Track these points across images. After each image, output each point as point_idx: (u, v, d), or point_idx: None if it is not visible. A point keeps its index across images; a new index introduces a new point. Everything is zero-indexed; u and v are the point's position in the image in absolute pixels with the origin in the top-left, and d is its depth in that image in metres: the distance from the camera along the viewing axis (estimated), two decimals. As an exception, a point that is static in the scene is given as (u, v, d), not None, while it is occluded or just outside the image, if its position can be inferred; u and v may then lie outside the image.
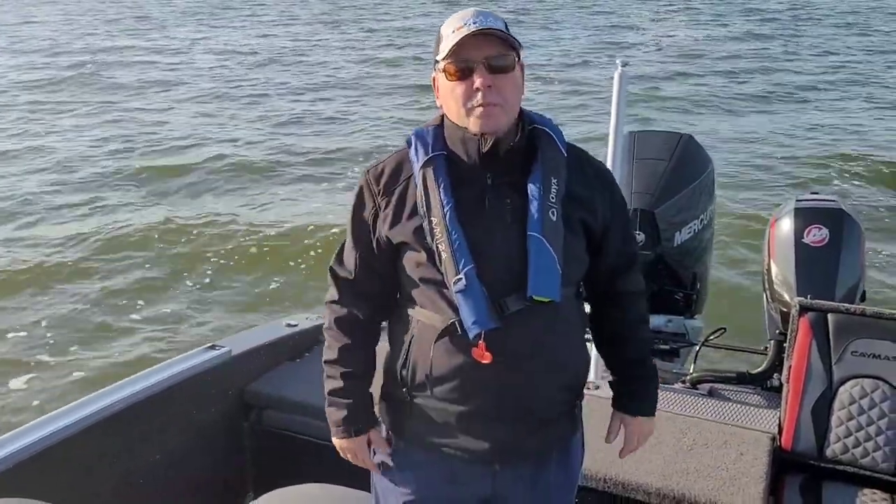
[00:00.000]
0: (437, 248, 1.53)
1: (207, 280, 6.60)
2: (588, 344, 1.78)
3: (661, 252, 3.24)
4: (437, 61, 1.59)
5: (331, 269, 1.75)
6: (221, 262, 6.97)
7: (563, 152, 1.63)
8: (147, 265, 6.86)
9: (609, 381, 1.86)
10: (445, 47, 1.54)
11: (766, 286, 3.12)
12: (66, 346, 5.49)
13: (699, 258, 3.53)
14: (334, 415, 1.74)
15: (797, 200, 3.18)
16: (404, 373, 1.64)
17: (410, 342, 1.62)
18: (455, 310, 1.54)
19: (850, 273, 2.95)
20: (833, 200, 3.16)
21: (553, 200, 1.56)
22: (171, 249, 7.20)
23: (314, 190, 8.90)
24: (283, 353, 3.11)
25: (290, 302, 6.13)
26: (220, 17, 25.70)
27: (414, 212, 1.58)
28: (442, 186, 1.56)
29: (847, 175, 8.77)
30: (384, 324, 1.77)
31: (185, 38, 20.99)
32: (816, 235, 2.97)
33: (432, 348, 1.58)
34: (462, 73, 1.53)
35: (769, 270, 3.08)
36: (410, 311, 1.64)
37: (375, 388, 1.76)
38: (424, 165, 1.58)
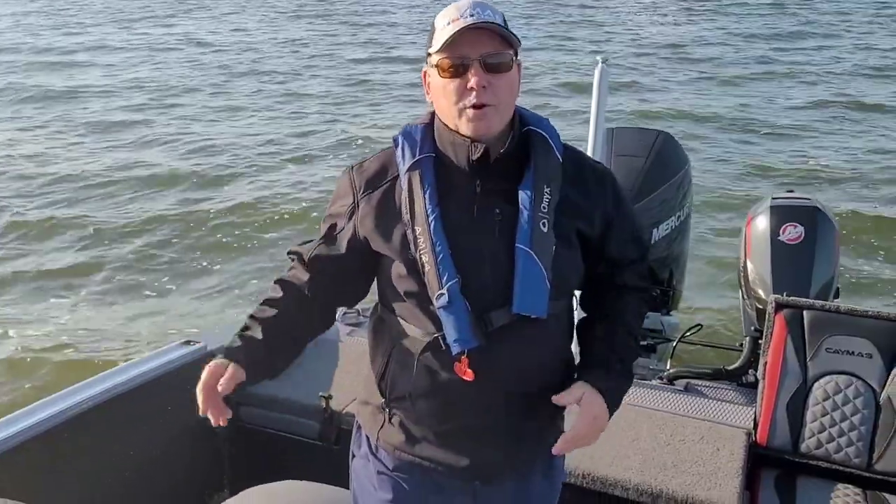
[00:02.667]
0: (421, 259, 1.45)
1: (181, 275, 6.53)
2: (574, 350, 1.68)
3: (640, 254, 3.27)
4: (429, 55, 1.48)
5: (289, 250, 1.68)
6: (196, 256, 6.90)
7: (559, 157, 1.53)
8: (118, 260, 6.77)
9: (581, 354, 1.66)
10: (439, 40, 1.43)
11: (742, 283, 3.16)
12: (35, 342, 5.41)
13: (676, 255, 3.57)
14: (231, 339, 1.61)
15: (773, 199, 3.21)
16: (383, 385, 1.59)
17: (391, 353, 1.57)
18: (438, 324, 1.47)
19: (825, 270, 2.99)
20: (808, 199, 3.20)
21: (545, 210, 1.47)
22: (142, 245, 7.11)
23: (293, 183, 8.84)
24: None
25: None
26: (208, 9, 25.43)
27: (397, 218, 1.50)
28: (427, 193, 1.47)
29: (823, 174, 8.87)
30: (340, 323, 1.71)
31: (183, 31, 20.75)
32: (792, 233, 3.00)
33: (414, 363, 1.51)
34: (456, 69, 1.43)
35: (745, 268, 3.11)
36: (391, 321, 1.58)
37: (358, 392, 1.72)
38: (410, 169, 1.50)
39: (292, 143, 10.52)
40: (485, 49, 1.42)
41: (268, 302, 1.62)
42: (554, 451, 1.54)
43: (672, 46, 17.21)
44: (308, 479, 2.10)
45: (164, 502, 2.70)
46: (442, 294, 1.44)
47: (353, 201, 1.56)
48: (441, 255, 1.44)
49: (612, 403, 1.56)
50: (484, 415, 1.53)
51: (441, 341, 1.47)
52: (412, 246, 1.47)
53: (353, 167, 1.60)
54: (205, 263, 6.76)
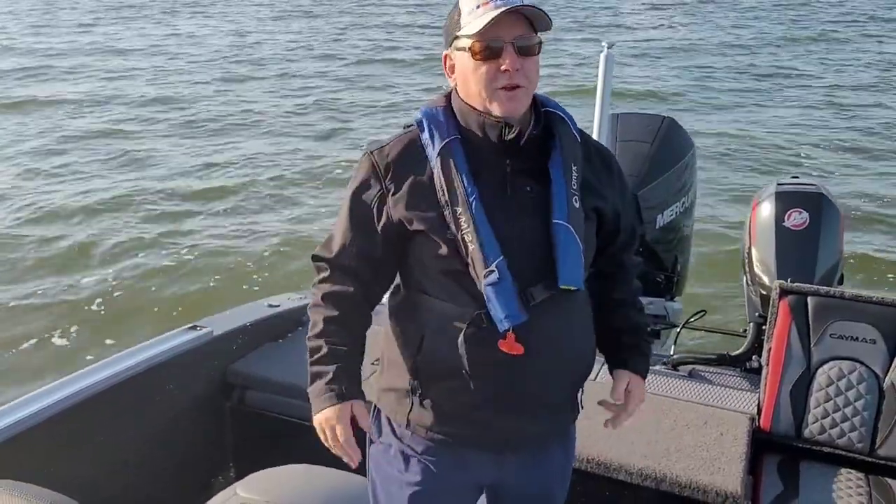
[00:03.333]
0: (464, 239, 1.47)
1: (187, 260, 6.54)
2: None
3: (643, 234, 3.26)
4: (456, 37, 1.50)
5: (315, 255, 1.65)
6: (202, 243, 6.91)
7: (578, 138, 1.60)
8: (126, 245, 6.79)
9: (607, 344, 1.79)
10: (473, 22, 1.45)
11: (747, 269, 3.15)
12: (44, 328, 5.43)
13: (680, 241, 3.56)
14: (318, 385, 1.56)
15: (778, 184, 3.20)
16: (420, 363, 1.58)
17: (424, 334, 1.57)
18: (479, 301, 1.48)
19: (830, 256, 2.98)
20: (813, 185, 3.19)
21: (575, 188, 1.53)
22: (148, 229, 7.13)
23: (298, 176, 8.83)
24: (265, 334, 3.10)
25: (272, 282, 6.11)
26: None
27: (432, 199, 1.50)
28: (464, 174, 1.49)
29: (828, 160, 8.84)
30: (380, 308, 1.68)
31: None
32: (797, 219, 3.00)
33: (457, 340, 1.51)
34: (490, 51, 1.45)
35: (750, 253, 3.11)
36: (424, 301, 1.57)
37: (368, 374, 1.73)
38: (442, 151, 1.51)
39: (300, 123, 10.51)
40: (517, 32, 1.46)
41: (332, 322, 1.59)
42: (612, 425, 1.76)
43: (674, 42, 17.11)
44: (313, 463, 2.11)
45: (171, 485, 2.72)
46: (492, 272, 1.46)
47: (381, 186, 1.55)
48: (485, 234, 1.47)
49: (645, 371, 1.79)
50: (524, 387, 1.56)
51: (483, 318, 1.49)
52: (452, 226, 1.49)
53: (372, 151, 1.58)
54: (211, 247, 6.77)
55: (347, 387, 1.55)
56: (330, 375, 1.56)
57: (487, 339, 1.50)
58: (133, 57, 15.61)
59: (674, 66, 14.12)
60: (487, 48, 1.45)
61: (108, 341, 5.22)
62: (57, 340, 5.29)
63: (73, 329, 5.42)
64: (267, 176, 8.60)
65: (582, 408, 1.74)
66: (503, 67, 1.45)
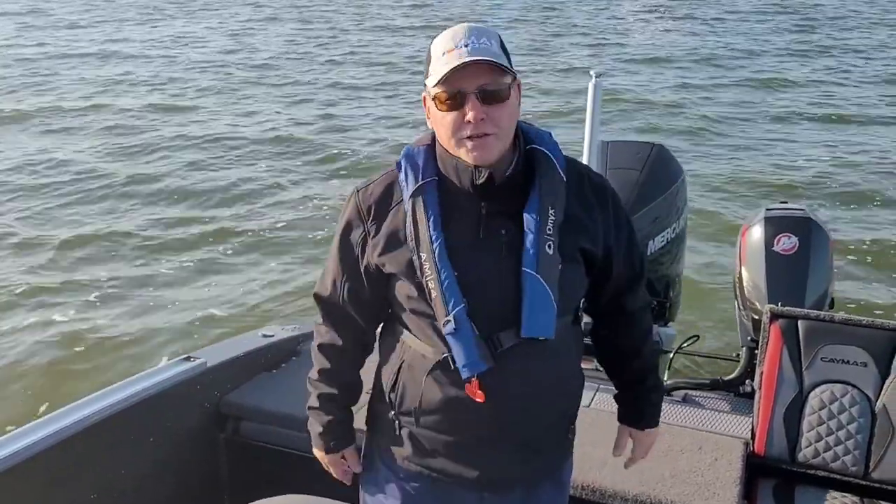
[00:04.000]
0: (427, 285, 1.48)
1: (180, 289, 6.54)
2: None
3: (646, 264, 3.28)
4: (426, 83, 1.50)
5: (315, 294, 1.73)
6: (192, 269, 6.91)
7: (562, 174, 1.55)
8: (114, 273, 6.78)
9: (614, 396, 1.84)
10: (435, 72, 1.44)
11: (738, 294, 3.18)
12: (30, 355, 5.41)
13: (672, 267, 3.58)
14: (313, 428, 1.79)
15: (767, 209, 3.24)
16: (393, 396, 1.61)
17: (401, 367, 1.59)
18: (448, 345, 1.49)
19: (820, 280, 3.01)
20: (802, 209, 3.23)
21: (550, 232, 1.49)
22: (137, 258, 7.13)
23: (291, 196, 8.86)
24: (260, 364, 3.10)
25: (266, 312, 6.10)
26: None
27: (403, 243, 1.52)
28: (432, 219, 1.48)
29: (816, 185, 8.92)
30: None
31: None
32: (786, 244, 3.03)
33: (424, 379, 1.54)
34: (453, 101, 1.43)
35: (741, 278, 3.14)
36: (403, 335, 1.61)
37: (364, 400, 1.78)
38: (414, 195, 1.51)
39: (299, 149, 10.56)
40: (481, 81, 1.43)
41: (324, 374, 1.75)
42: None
43: (660, 59, 17.33)
44: (310, 493, 2.10)
45: None
46: (448, 321, 1.46)
47: (364, 229, 1.58)
48: (447, 282, 1.46)
49: (657, 422, 1.84)
50: (494, 430, 1.55)
51: (451, 361, 1.49)
52: (418, 271, 1.49)
53: (358, 191, 1.61)
54: (204, 278, 6.77)
55: (335, 441, 1.77)
56: (321, 428, 1.76)
57: (454, 381, 1.51)
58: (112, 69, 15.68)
59: (663, 86, 14.28)
60: (450, 98, 1.43)
61: (98, 375, 5.19)
62: (47, 373, 5.25)
63: (58, 361, 5.38)
64: (259, 203, 8.63)
65: (572, 448, 1.75)
66: (466, 118, 1.43)
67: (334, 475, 1.83)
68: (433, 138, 1.57)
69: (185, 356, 2.89)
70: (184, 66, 16.75)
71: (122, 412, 2.53)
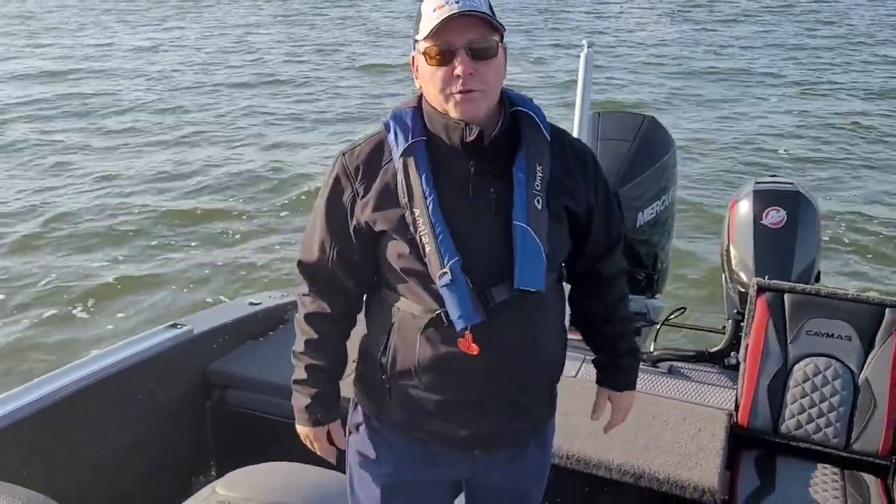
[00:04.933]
0: (421, 240, 1.49)
1: (168, 258, 6.50)
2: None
3: (624, 232, 3.28)
4: (416, 41, 1.50)
5: (299, 262, 1.69)
6: (183, 240, 6.87)
7: (547, 136, 1.58)
8: (103, 243, 6.74)
9: (592, 360, 1.86)
10: (425, 27, 1.45)
11: (725, 266, 3.18)
12: (20, 324, 5.39)
13: (660, 239, 3.58)
14: (298, 402, 1.73)
15: (756, 183, 3.23)
16: (384, 360, 1.61)
17: (391, 330, 1.59)
18: (439, 301, 1.50)
19: (806, 254, 3.02)
20: (791, 183, 3.23)
21: (538, 188, 1.52)
22: (128, 229, 7.08)
23: (274, 174, 8.79)
24: (246, 332, 3.09)
25: (252, 279, 6.09)
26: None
27: (395, 201, 1.53)
28: (424, 176, 1.50)
29: (805, 159, 8.94)
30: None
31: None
32: (774, 217, 3.03)
33: (417, 339, 1.54)
34: (443, 56, 1.45)
35: (728, 251, 3.14)
36: (391, 299, 1.60)
37: (351, 369, 1.76)
38: (405, 153, 1.52)
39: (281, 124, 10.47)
40: (470, 36, 1.44)
41: (311, 345, 1.69)
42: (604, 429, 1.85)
43: (655, 37, 17.22)
44: (293, 460, 2.11)
45: (152, 483, 2.71)
46: (444, 273, 1.47)
47: (352, 190, 1.57)
48: (441, 236, 1.47)
49: (634, 384, 1.85)
50: (486, 386, 1.57)
51: (443, 317, 1.50)
52: (412, 227, 1.50)
53: (343, 154, 1.60)
54: (191, 247, 6.73)
55: (323, 413, 1.72)
56: (308, 400, 1.70)
57: (446, 338, 1.52)
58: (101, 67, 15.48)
59: (656, 64, 14.21)
60: (440, 53, 1.45)
61: (87, 340, 5.18)
62: (36, 339, 5.23)
63: (49, 329, 5.36)
64: (244, 175, 8.57)
65: (555, 406, 1.76)
66: (455, 72, 1.45)
67: (318, 452, 1.77)
68: (419, 100, 1.58)
69: (171, 323, 2.88)
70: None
71: (108, 378, 2.53)
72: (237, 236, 6.96)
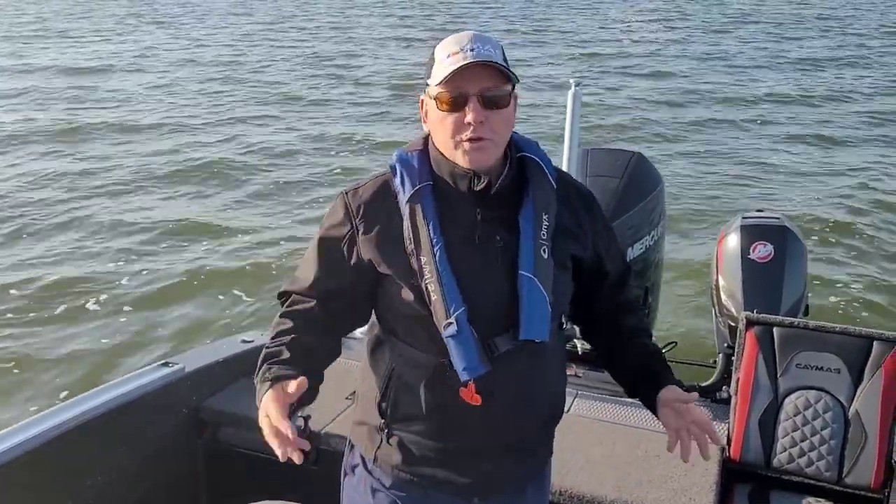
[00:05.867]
0: (427, 288, 1.48)
1: (157, 298, 6.48)
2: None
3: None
4: (427, 85, 1.51)
5: (282, 292, 1.65)
6: (172, 280, 6.85)
7: (553, 182, 1.58)
8: (97, 281, 6.72)
9: (641, 378, 1.68)
10: (439, 73, 1.46)
11: (715, 301, 3.21)
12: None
13: (651, 273, 3.61)
14: (260, 382, 1.50)
15: (743, 217, 3.28)
16: (384, 405, 1.60)
17: (391, 375, 1.58)
18: (443, 350, 1.49)
19: (795, 288, 3.05)
20: (777, 217, 3.28)
21: (544, 238, 1.52)
22: (119, 267, 7.07)
23: (272, 207, 8.82)
24: (239, 370, 3.08)
25: (244, 319, 6.08)
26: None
27: (400, 246, 1.51)
28: (431, 223, 1.49)
29: (793, 193, 9.04)
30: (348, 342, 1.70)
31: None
32: (762, 252, 3.07)
33: (419, 386, 1.54)
34: (454, 103, 1.45)
35: (717, 285, 3.17)
36: (392, 343, 1.59)
37: (336, 412, 1.74)
38: (412, 198, 1.51)
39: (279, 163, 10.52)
40: (484, 84, 1.45)
41: (280, 335, 1.56)
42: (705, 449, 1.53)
43: (646, 66, 17.49)
44: (288, 500, 2.10)
45: None
46: (451, 323, 1.46)
47: (352, 226, 1.56)
48: (448, 285, 1.47)
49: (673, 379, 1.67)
50: (487, 435, 1.57)
51: (448, 366, 1.50)
52: (418, 275, 1.49)
53: (346, 192, 1.59)
54: (181, 286, 6.72)
55: (279, 373, 1.47)
56: (274, 368, 1.50)
57: (448, 387, 1.52)
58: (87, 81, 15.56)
59: (643, 98, 14.40)
60: (452, 99, 1.45)
61: (77, 379, 5.14)
62: (20, 381, 5.19)
63: (36, 371, 5.32)
64: (237, 210, 8.59)
65: (552, 451, 1.76)
66: (467, 119, 1.45)
67: (272, 419, 1.41)
68: (425, 142, 1.59)
69: (163, 361, 2.87)
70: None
71: (99, 418, 2.51)
72: (228, 272, 6.95)
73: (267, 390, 1.46)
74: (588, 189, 1.73)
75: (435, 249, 1.48)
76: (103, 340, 5.73)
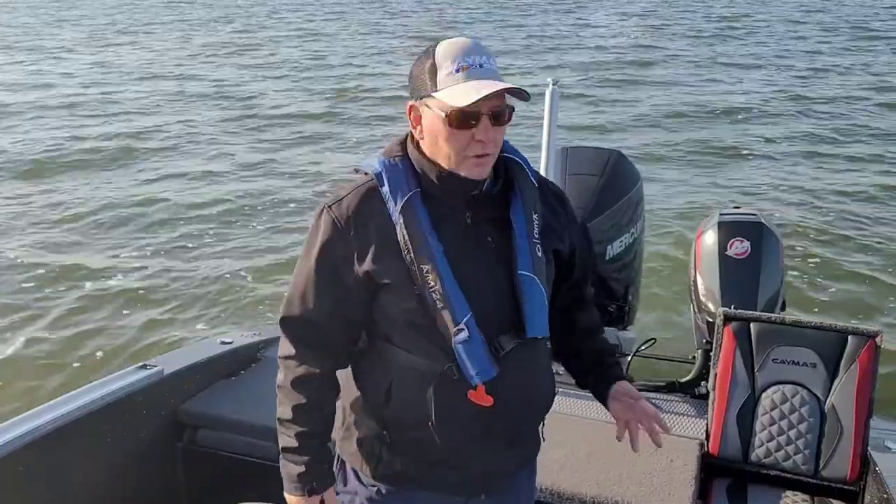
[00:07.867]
0: (431, 295, 1.47)
1: (137, 298, 6.43)
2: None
3: (594, 265, 3.33)
4: (430, 96, 1.46)
5: (284, 320, 1.61)
6: (150, 280, 6.80)
7: (534, 182, 1.61)
8: (72, 281, 6.65)
9: (592, 371, 1.78)
10: (454, 93, 1.42)
11: (693, 297, 3.24)
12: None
13: (630, 271, 3.63)
14: (290, 470, 1.63)
15: (720, 214, 3.31)
16: (387, 413, 1.58)
17: (391, 384, 1.57)
18: (449, 355, 1.49)
19: (771, 283, 3.08)
20: (754, 214, 3.31)
21: (537, 237, 1.56)
22: (97, 269, 7.00)
23: (246, 207, 8.77)
24: (218, 372, 3.06)
25: (224, 318, 6.04)
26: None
27: (397, 255, 1.49)
28: (427, 230, 1.48)
29: (770, 190, 9.12)
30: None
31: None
32: (739, 248, 3.10)
33: (426, 392, 1.53)
34: (466, 121, 1.44)
35: (695, 282, 3.20)
36: (390, 352, 1.57)
37: (338, 430, 1.69)
38: (404, 207, 1.49)
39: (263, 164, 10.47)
40: (493, 103, 1.45)
41: (300, 410, 1.60)
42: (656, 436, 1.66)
43: (627, 65, 17.57)
44: (269, 501, 2.09)
45: None
46: (461, 329, 1.47)
47: (346, 241, 1.52)
48: (452, 291, 1.47)
49: (622, 375, 1.77)
50: (494, 432, 1.58)
51: (454, 371, 1.51)
52: (419, 282, 1.48)
53: (330, 206, 1.55)
54: (162, 286, 6.67)
55: (318, 482, 1.63)
56: (301, 468, 1.62)
57: (456, 390, 1.53)
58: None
59: (621, 98, 14.47)
60: (465, 117, 1.43)
61: (54, 383, 5.08)
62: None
63: (12, 373, 5.26)
64: (215, 209, 8.53)
65: (544, 439, 1.78)
66: (477, 138, 1.45)
67: None
68: (403, 147, 1.57)
69: (141, 364, 2.85)
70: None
71: (77, 421, 2.49)
72: (208, 273, 6.90)
73: (309, 495, 1.63)
74: (559, 187, 1.78)
75: (436, 256, 1.48)
76: (80, 343, 5.67)
